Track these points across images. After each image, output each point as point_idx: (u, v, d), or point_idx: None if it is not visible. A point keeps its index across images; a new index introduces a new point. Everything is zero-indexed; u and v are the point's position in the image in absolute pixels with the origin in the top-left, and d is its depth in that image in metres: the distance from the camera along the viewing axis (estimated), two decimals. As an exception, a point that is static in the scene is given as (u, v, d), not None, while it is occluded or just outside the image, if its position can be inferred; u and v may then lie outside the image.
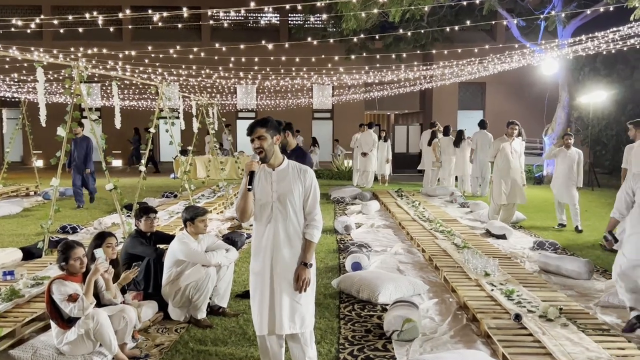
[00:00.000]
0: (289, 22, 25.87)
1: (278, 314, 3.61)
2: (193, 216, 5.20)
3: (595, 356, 4.00)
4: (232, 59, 14.30)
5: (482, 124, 13.87)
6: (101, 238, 4.70)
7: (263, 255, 3.67)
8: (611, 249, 5.39)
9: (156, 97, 10.36)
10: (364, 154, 16.30)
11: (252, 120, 3.81)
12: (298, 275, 3.66)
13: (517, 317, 4.68)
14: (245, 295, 5.80)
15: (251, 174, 3.58)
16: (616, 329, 4.78)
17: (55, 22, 10.19)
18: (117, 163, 24.77)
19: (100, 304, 4.27)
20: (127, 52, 11.89)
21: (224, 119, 14.31)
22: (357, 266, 6.77)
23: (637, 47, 11.45)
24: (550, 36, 17.98)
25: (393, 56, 18.23)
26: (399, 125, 22.40)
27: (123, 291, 4.74)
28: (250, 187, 3.57)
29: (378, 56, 18.19)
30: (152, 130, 9.59)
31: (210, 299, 5.22)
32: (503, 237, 8.80)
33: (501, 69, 16.45)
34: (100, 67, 11.72)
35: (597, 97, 16.93)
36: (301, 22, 25.51)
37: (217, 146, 14.64)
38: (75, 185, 12.11)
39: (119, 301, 4.44)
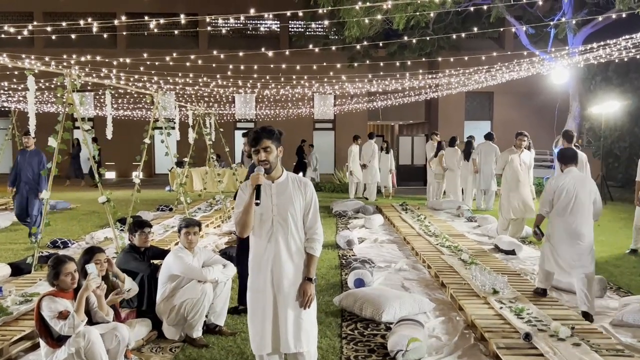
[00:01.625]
0: (290, 29, 26.01)
1: (283, 332, 3.60)
2: (179, 227, 5.28)
3: (609, 378, 3.99)
4: (231, 66, 14.38)
5: (490, 136, 13.87)
6: (89, 253, 4.70)
7: (264, 272, 3.65)
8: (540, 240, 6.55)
9: (151, 107, 10.40)
10: (364, 166, 16.32)
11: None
12: (303, 291, 3.66)
13: (527, 336, 4.66)
14: (234, 310, 5.80)
15: (257, 188, 3.56)
16: (631, 349, 4.76)
17: (48, 29, 10.24)
18: (110, 175, 24.81)
19: (91, 321, 4.26)
20: (121, 60, 11.95)
21: (221, 129, 14.35)
22: (360, 283, 6.75)
23: None
24: (560, 44, 18.07)
25: (397, 64, 18.30)
26: (403, 136, 22.43)
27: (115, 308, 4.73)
28: (258, 201, 3.55)
29: (382, 63, 18.26)
30: (147, 140, 9.61)
31: (206, 317, 5.21)
32: (512, 252, 8.78)
33: (509, 77, 16.50)
34: (94, 75, 11.78)
35: (610, 107, 16.95)
36: (302, 30, 25.65)
37: (214, 158, 14.66)
38: (20, 208, 10.12)
39: (111, 319, 4.43)
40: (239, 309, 5.96)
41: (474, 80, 17.38)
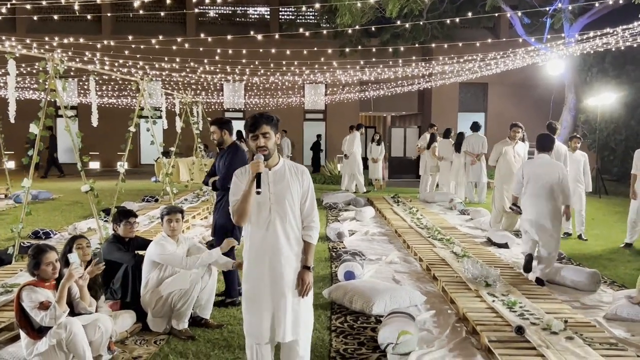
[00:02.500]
0: (280, 16, 25.91)
1: (281, 322, 3.61)
2: (161, 215, 5.30)
3: (602, 371, 4.02)
4: (218, 50, 14.28)
5: (475, 127, 13.86)
6: (71, 242, 4.67)
7: (262, 261, 3.65)
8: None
9: (137, 94, 10.33)
10: (345, 156, 16.37)
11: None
12: (302, 279, 3.68)
13: (520, 329, 4.68)
14: (220, 303, 5.81)
15: (258, 176, 3.54)
16: (624, 343, 4.80)
17: (28, 6, 10.11)
18: (95, 165, 24.66)
19: (73, 312, 4.24)
20: (105, 42, 11.83)
21: (209, 119, 14.28)
22: (350, 275, 6.76)
23: None
24: (556, 34, 18.11)
25: (390, 50, 18.26)
26: (395, 128, 22.43)
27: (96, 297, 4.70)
28: (259, 190, 3.53)
29: (374, 49, 18.20)
30: (132, 129, 9.55)
31: (192, 309, 5.20)
32: (505, 245, 8.83)
33: (504, 68, 16.54)
34: (77, 59, 11.67)
35: (606, 99, 17.04)
36: (293, 17, 25.55)
37: (202, 148, 14.61)
38: None
39: (94, 310, 4.41)
40: (225, 302, 5.96)
41: (468, 70, 17.40)
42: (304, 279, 3.68)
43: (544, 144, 6.98)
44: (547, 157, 6.94)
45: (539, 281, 6.64)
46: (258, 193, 3.54)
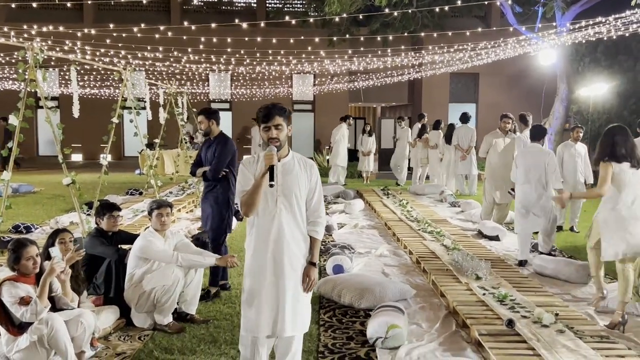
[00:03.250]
0: (267, 4, 25.78)
1: (281, 316, 3.63)
2: (150, 209, 5.27)
3: (592, 364, 4.06)
4: (203, 39, 14.18)
5: (465, 118, 13.89)
6: (54, 235, 4.64)
7: (265, 253, 3.66)
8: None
9: (119, 84, 10.26)
10: (329, 148, 16.45)
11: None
12: (307, 275, 3.72)
13: (510, 322, 4.72)
14: (205, 296, 5.83)
15: (271, 168, 3.54)
16: (615, 336, 4.85)
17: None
18: (77, 157, 24.48)
19: (55, 308, 4.22)
20: (86, 31, 11.72)
21: (194, 110, 14.21)
22: (338, 269, 6.78)
23: (637, 33, 11.62)
24: (548, 23, 18.16)
25: (379, 38, 18.21)
26: (385, 119, 22.41)
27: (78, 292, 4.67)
28: (273, 182, 3.53)
29: (362, 38, 18.13)
30: (115, 120, 9.49)
31: (177, 304, 5.20)
32: (496, 238, 8.88)
33: (495, 58, 16.56)
34: (58, 49, 11.56)
35: (598, 89, 17.12)
36: (280, 5, 25.43)
37: (187, 139, 14.55)
38: None
39: (76, 305, 4.39)
40: (210, 293, 5.97)
41: (459, 60, 17.42)
42: (309, 275, 3.73)
43: (535, 133, 7.70)
44: (539, 146, 7.55)
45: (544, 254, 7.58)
46: (271, 186, 3.56)
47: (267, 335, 3.68)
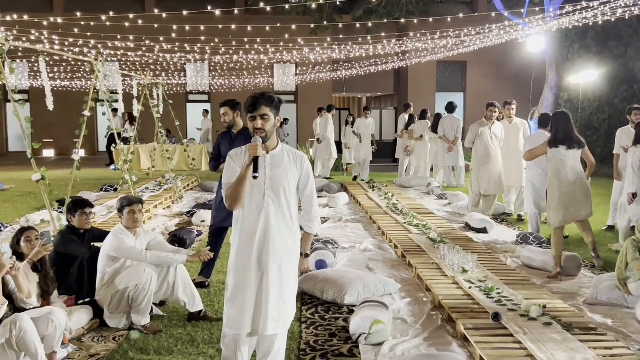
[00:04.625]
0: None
1: (264, 313, 3.63)
2: (120, 206, 5.25)
3: (580, 357, 4.11)
4: (175, 27, 14.09)
5: (451, 108, 13.97)
6: (19, 233, 4.62)
7: (250, 249, 3.66)
8: None
9: (91, 76, 10.18)
10: (318, 141, 16.44)
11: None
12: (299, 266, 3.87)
13: (497, 316, 4.77)
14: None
15: (255, 160, 3.55)
16: (604, 328, 4.93)
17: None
18: (49, 153, 24.28)
19: (15, 308, 4.19)
20: (52, 20, 11.59)
21: (170, 102, 14.15)
22: (321, 264, 6.82)
23: (627, 18, 11.74)
24: (536, 12, 18.28)
25: (366, 25, 18.19)
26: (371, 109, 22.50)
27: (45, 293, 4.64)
28: (257, 174, 3.54)
29: (341, 25, 18.07)
30: (86, 113, 9.41)
31: (185, 306, 5.24)
32: (484, 230, 8.96)
33: (482, 45, 16.65)
34: (24, 39, 11.44)
35: (588, 76, 17.28)
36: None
37: (163, 133, 14.48)
38: None
39: (34, 301, 4.35)
40: (195, 282, 6.01)
41: (444, 47, 17.48)
42: (301, 267, 3.87)
43: (543, 121, 8.57)
44: (545, 133, 8.12)
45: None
46: (255, 178, 3.56)
47: (248, 333, 3.69)
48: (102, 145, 25.00)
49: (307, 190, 3.83)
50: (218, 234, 6.36)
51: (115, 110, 16.41)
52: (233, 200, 3.65)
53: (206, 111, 21.90)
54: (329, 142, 16.38)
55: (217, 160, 6.37)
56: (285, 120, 22.25)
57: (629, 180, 7.61)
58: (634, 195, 7.41)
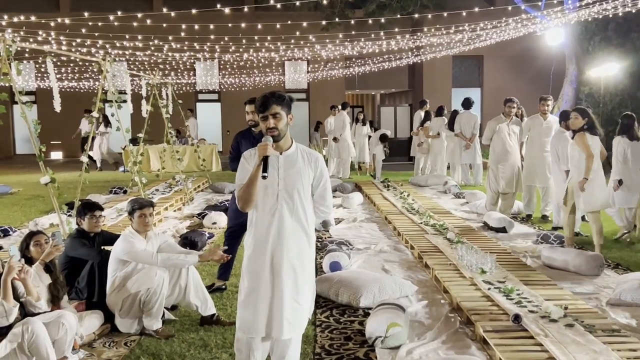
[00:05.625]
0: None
1: (278, 317, 3.65)
2: (131, 209, 5.28)
3: (603, 359, 4.10)
4: (184, 26, 14.15)
5: (467, 104, 13.91)
6: (29, 238, 4.67)
7: (263, 251, 3.69)
8: None
9: (99, 76, 10.26)
10: (335, 140, 16.46)
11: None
12: None
13: (517, 318, 4.77)
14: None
15: (265, 159, 3.58)
16: (628, 329, 4.90)
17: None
18: (57, 155, 24.44)
19: (25, 313, 4.24)
20: (59, 20, 11.69)
21: (180, 101, 14.21)
22: (335, 266, 6.82)
23: None
24: (555, 2, 18.17)
25: (379, 19, 18.19)
26: (385, 107, 22.50)
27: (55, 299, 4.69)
28: (265, 174, 3.57)
29: (353, 22, 18.09)
30: (95, 114, 9.49)
31: (197, 309, 5.27)
32: (503, 230, 8.92)
33: (500, 38, 16.58)
34: (31, 40, 11.55)
35: (610, 70, 17.12)
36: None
37: (172, 133, 14.55)
38: None
39: (43, 305, 4.40)
40: (214, 286, 6.10)
41: (460, 42, 17.42)
42: None
43: (562, 118, 8.79)
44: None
45: None
46: (264, 177, 3.58)
47: (262, 338, 3.71)
48: (112, 146, 25.17)
49: (320, 187, 3.84)
50: (234, 234, 6.34)
51: (88, 112, 16.39)
52: (245, 202, 3.67)
53: (190, 110, 21.92)
54: (345, 140, 16.40)
55: (237, 160, 6.34)
56: (318, 124, 22.29)
57: (615, 169, 8.42)
58: (620, 182, 8.26)
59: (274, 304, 3.66)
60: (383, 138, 15.32)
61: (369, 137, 16.92)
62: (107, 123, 18.75)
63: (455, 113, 14.43)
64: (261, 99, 3.68)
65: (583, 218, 9.60)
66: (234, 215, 6.34)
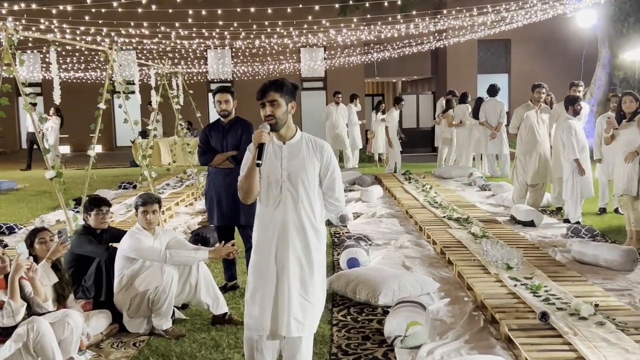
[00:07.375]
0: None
1: (286, 314, 3.67)
2: (135, 205, 5.35)
3: (636, 359, 4.08)
4: (190, 11, 14.17)
5: (493, 91, 13.79)
6: (33, 235, 4.72)
7: (268, 245, 3.72)
8: None
9: (105, 66, 10.32)
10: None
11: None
12: None
13: (544, 315, 4.75)
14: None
15: (260, 147, 3.60)
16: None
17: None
18: (65, 149, 24.63)
19: (31, 312, 4.30)
20: (61, 7, 11.76)
21: (191, 91, 14.25)
22: (353, 262, 6.82)
23: None
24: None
25: (398, 1, 18.12)
26: (407, 94, 22.41)
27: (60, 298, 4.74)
28: (259, 162, 3.59)
29: (367, 4, 17.99)
30: (102, 106, 9.54)
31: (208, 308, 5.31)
32: (531, 224, 8.86)
33: (527, 21, 16.44)
34: (34, 29, 11.64)
35: (646, 52, 16.91)
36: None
37: (184, 125, 14.61)
38: None
39: (50, 305, 4.45)
40: (227, 286, 6.17)
41: (485, 24, 17.28)
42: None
43: (570, 103, 8.90)
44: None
45: None
46: (258, 165, 3.60)
47: (270, 335, 3.73)
48: (121, 140, 25.34)
49: (330, 180, 3.83)
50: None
51: (34, 105, 16.28)
52: (245, 192, 3.70)
53: None
54: (351, 131, 16.57)
55: (207, 153, 6.21)
56: None
57: (596, 150, 9.37)
58: (599, 161, 9.29)
59: (280, 301, 3.68)
60: (397, 100, 15.24)
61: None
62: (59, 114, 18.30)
63: (480, 100, 14.32)
64: (260, 87, 3.72)
65: (616, 210, 9.56)
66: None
